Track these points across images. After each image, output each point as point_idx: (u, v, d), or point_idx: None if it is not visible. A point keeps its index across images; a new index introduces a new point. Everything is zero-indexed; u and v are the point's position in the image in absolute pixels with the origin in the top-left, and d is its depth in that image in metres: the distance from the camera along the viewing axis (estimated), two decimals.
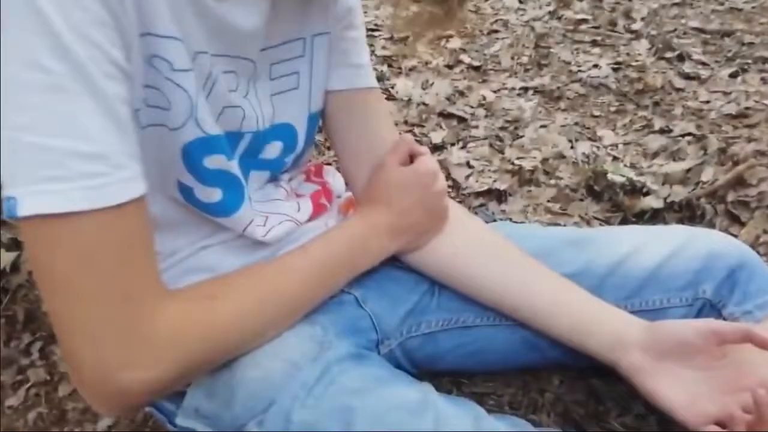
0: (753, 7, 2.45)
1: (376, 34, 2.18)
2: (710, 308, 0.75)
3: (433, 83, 1.89)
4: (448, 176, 1.47)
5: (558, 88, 1.84)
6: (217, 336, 0.57)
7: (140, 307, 0.50)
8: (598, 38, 2.16)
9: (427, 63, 2.05)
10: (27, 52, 0.43)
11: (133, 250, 0.50)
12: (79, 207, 0.45)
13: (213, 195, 0.63)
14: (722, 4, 2.49)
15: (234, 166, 0.64)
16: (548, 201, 1.38)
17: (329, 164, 1.36)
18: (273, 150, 0.71)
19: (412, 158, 0.75)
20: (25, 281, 1.09)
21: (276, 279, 0.62)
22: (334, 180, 0.86)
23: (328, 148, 1.55)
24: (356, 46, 0.74)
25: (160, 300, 0.52)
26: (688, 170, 1.40)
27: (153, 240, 0.53)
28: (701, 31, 2.19)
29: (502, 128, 1.68)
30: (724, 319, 0.74)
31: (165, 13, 0.52)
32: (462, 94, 1.84)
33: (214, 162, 0.62)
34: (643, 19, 2.31)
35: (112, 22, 0.46)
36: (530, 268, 0.75)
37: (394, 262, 0.77)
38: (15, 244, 1.11)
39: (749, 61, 1.94)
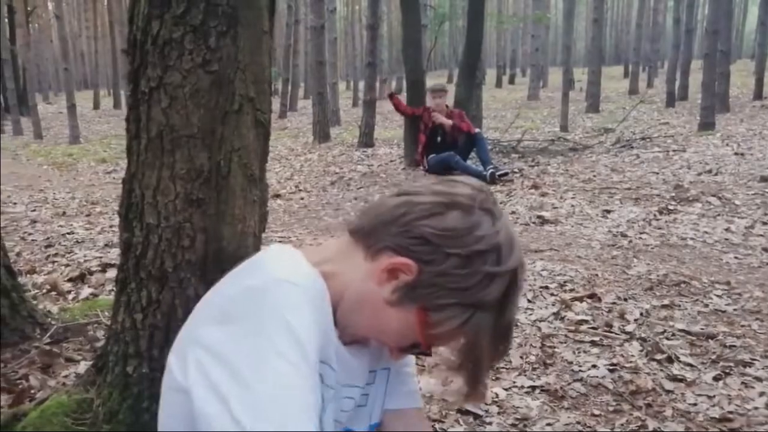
0: (735, 310, 2.80)
1: None
2: None
3: (452, 380, 2.18)
4: None
5: (561, 387, 2.10)
6: None
7: None
8: (597, 339, 2.49)
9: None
10: (287, 356, 0.65)
11: None
12: None
13: None
14: (707, 306, 2.85)
15: None
16: None
17: None
18: None
19: None
20: None
21: None
22: None
23: None
24: (410, 378, 1.05)
25: None
26: None
27: None
28: (687, 332, 2.51)
29: (512, 425, 1.91)
30: None
31: (332, 353, 0.81)
32: None
33: None
34: (635, 320, 2.66)
35: (318, 346, 0.73)
36: None
37: None
38: None
39: (731, 364, 2.21)
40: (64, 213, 5.84)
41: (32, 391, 1.77)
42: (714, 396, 1.97)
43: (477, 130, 7.08)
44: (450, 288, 0.75)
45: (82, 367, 1.95)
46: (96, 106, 24.49)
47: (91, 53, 40.84)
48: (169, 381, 0.77)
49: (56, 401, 1.47)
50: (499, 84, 27.93)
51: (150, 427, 1.36)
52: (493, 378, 2.22)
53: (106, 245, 4.35)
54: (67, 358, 2.02)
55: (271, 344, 0.65)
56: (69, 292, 3.26)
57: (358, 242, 0.82)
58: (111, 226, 4.75)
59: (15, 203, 6.35)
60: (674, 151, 7.87)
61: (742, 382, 2.06)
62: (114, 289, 1.60)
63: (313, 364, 0.69)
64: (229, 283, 0.78)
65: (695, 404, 1.93)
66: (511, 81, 30.13)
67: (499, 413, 1.97)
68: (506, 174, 6.56)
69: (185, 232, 1.37)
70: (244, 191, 1.40)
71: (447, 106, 7.01)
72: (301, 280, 0.74)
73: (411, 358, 1.07)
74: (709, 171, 6.42)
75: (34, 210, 6.00)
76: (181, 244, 1.37)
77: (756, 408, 1.89)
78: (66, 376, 1.93)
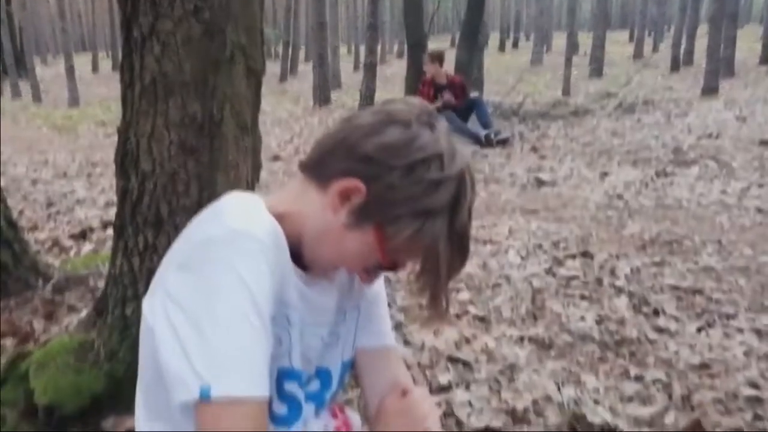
0: (724, 267, 2.85)
1: (397, 286, 2.60)
2: None
3: (443, 331, 2.25)
4: (452, 414, 1.74)
5: (549, 337, 2.17)
6: None
7: None
8: (586, 293, 2.55)
9: None
10: (238, 307, 0.71)
11: None
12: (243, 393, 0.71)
13: (281, 409, 0.92)
14: (697, 263, 2.90)
15: (300, 394, 0.94)
16: None
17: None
18: (313, 387, 1.03)
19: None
20: None
21: None
22: (353, 417, 1.16)
23: (352, 388, 1.85)
24: (381, 317, 1.09)
25: None
26: (655, 414, 1.64)
27: None
28: (675, 288, 2.56)
29: (501, 372, 1.97)
30: None
31: (292, 293, 0.87)
32: (468, 341, 2.18)
33: (290, 386, 0.92)
34: (626, 276, 2.72)
35: (274, 294, 0.79)
36: None
37: None
38: None
39: (715, 316, 2.27)
40: (65, 174, 5.87)
41: (36, 335, 1.84)
42: (695, 345, 2.03)
43: (476, 93, 7.02)
44: (399, 199, 0.78)
45: (84, 314, 2.02)
46: (95, 68, 24.27)
47: (89, 13, 40.22)
48: (143, 324, 0.82)
49: (59, 342, 1.54)
50: (502, 48, 27.56)
51: None
52: (483, 330, 2.28)
53: (106, 204, 4.40)
54: (69, 306, 2.09)
55: (226, 298, 0.72)
56: (71, 248, 3.32)
57: (310, 178, 0.85)
58: (111, 186, 4.78)
59: (16, 164, 6.38)
60: (676, 115, 7.83)
61: (724, 333, 2.12)
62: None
63: (265, 316, 0.74)
64: (194, 229, 0.82)
65: (677, 352, 2.00)
66: (515, 45, 29.71)
67: (488, 361, 2.04)
68: (506, 139, 6.54)
69: (180, 178, 1.40)
70: (237, 139, 1.43)
71: (447, 75, 6.83)
72: (257, 229, 0.78)
73: (383, 299, 1.10)
74: (710, 135, 6.40)
75: (35, 171, 6.04)
76: (175, 190, 1.41)
77: (734, 356, 1.95)
78: (68, 323, 2.00)
